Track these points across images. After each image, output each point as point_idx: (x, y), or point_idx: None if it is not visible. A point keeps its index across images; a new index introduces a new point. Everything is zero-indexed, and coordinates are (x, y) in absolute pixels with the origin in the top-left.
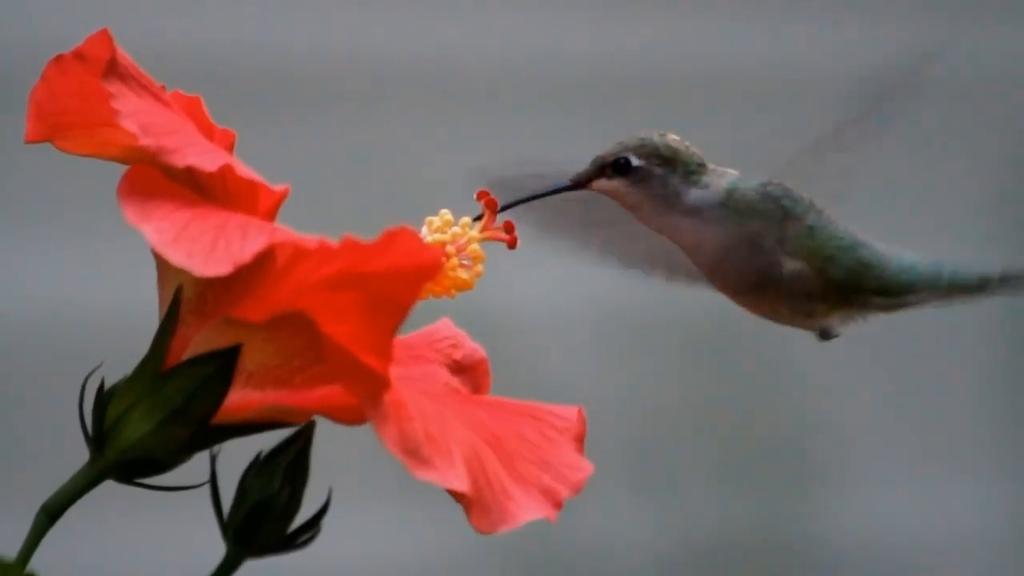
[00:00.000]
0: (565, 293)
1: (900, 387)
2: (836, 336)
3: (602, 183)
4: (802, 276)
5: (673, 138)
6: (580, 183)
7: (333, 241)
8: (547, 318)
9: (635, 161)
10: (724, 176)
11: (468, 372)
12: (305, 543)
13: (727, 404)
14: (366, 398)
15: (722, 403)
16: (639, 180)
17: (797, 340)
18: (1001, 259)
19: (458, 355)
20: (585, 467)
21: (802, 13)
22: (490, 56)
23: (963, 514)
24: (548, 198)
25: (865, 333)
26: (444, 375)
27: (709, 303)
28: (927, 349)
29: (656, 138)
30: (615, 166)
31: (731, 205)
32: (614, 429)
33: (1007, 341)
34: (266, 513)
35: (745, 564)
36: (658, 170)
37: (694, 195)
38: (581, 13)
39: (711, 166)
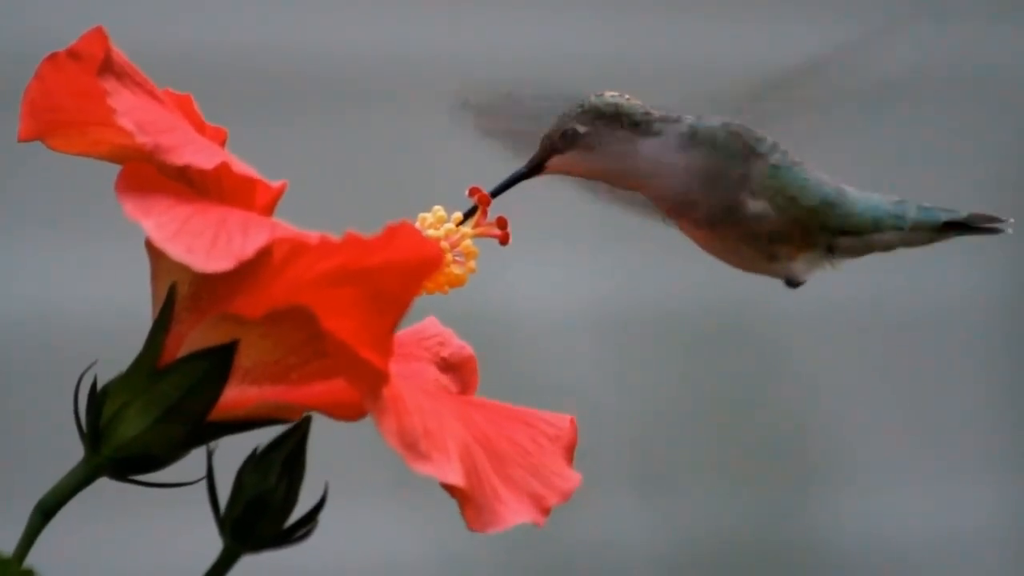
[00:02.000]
0: (566, 292)
1: (902, 387)
2: (802, 283)
3: (555, 161)
4: (765, 216)
5: (611, 94)
6: (536, 167)
7: (333, 236)
8: (548, 317)
9: (581, 128)
10: (680, 120)
11: (456, 370)
12: (302, 538)
13: (728, 404)
14: (366, 392)
15: (723, 403)
16: (591, 145)
17: (799, 340)
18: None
19: (445, 353)
20: (573, 477)
21: (800, 13)
22: (489, 56)
23: (965, 514)
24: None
25: (867, 332)
26: (433, 373)
27: (711, 301)
28: (929, 349)
29: (594, 99)
30: (564, 139)
31: (694, 144)
32: (615, 429)
33: (1010, 341)
34: (263, 508)
35: (747, 564)
36: (605, 129)
37: (650, 143)
38: (580, 13)
39: (658, 114)
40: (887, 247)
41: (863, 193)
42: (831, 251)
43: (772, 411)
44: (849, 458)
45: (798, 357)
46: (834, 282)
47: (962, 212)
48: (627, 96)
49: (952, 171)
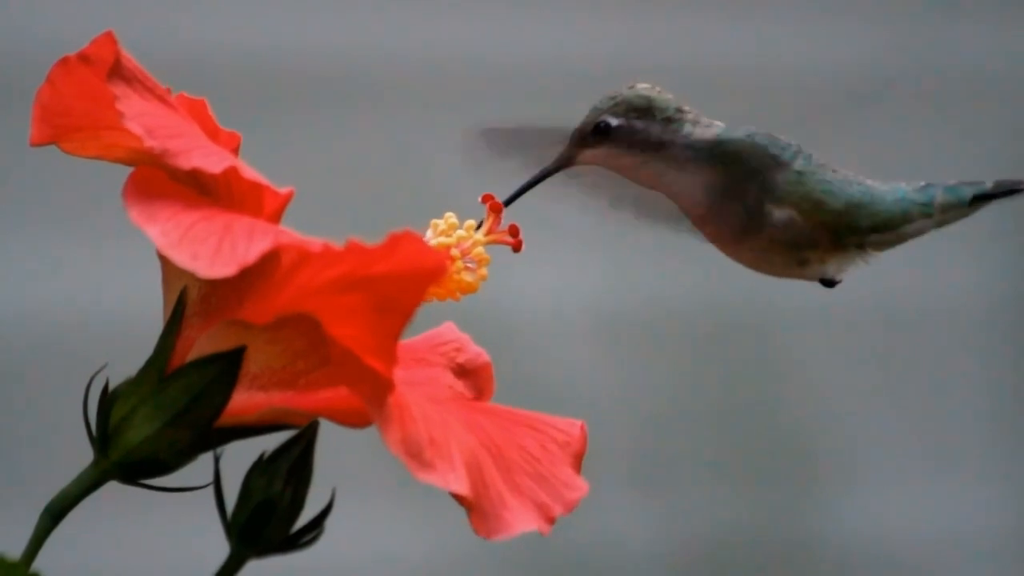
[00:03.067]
0: (568, 293)
1: (904, 387)
2: (838, 282)
3: (587, 154)
4: (792, 223)
5: (643, 86)
6: (566, 160)
7: (337, 244)
8: (550, 318)
9: (614, 121)
10: (710, 126)
11: (471, 376)
12: (308, 543)
13: (730, 404)
14: (370, 400)
15: (725, 403)
16: (623, 139)
17: (801, 340)
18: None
19: (461, 359)
20: (580, 487)
21: (799, 12)
22: (493, 56)
23: (967, 515)
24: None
25: (869, 332)
26: (448, 379)
27: (712, 301)
28: (931, 348)
29: (626, 91)
30: (596, 132)
31: (720, 155)
32: (617, 429)
33: (1012, 340)
34: (269, 513)
35: (748, 565)
36: (638, 123)
37: (680, 144)
38: (582, 12)
39: (691, 112)
40: (919, 234)
41: (888, 185)
42: (862, 248)
43: (773, 410)
44: (850, 457)
45: (799, 356)
46: None
47: (987, 182)
48: (659, 89)
49: (952, 173)
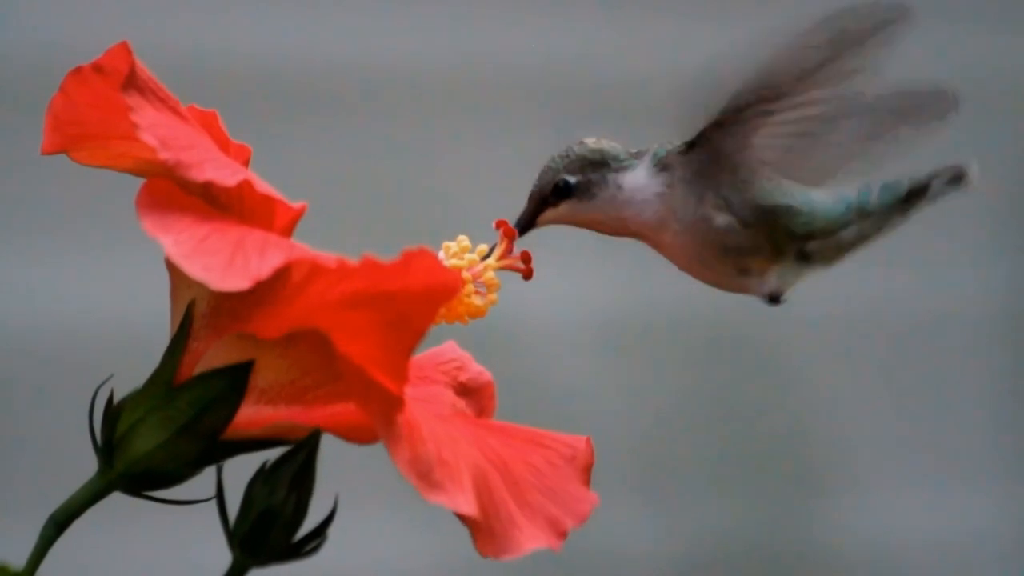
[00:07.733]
0: (570, 300)
1: (904, 393)
2: (783, 300)
3: (549, 214)
4: (732, 229)
5: (591, 140)
6: (528, 223)
7: (351, 260)
8: (552, 325)
9: (572, 179)
10: (648, 151)
11: (473, 395)
12: (311, 551)
13: (733, 410)
14: (379, 418)
15: (728, 409)
16: (583, 194)
17: (803, 347)
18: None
19: (464, 377)
20: (590, 499)
21: (796, 14)
22: (495, 63)
23: (970, 519)
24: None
25: (869, 339)
26: (450, 397)
27: (714, 309)
28: (930, 355)
29: (578, 148)
30: (555, 192)
31: (659, 172)
32: (619, 436)
33: (1010, 347)
34: (272, 521)
35: (751, 572)
36: (595, 176)
37: (628, 180)
38: (581, 15)
39: (640, 152)
40: (861, 240)
41: (828, 190)
42: (806, 259)
43: (775, 418)
44: (852, 464)
45: (801, 364)
46: (835, 289)
47: (923, 174)
48: (607, 141)
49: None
